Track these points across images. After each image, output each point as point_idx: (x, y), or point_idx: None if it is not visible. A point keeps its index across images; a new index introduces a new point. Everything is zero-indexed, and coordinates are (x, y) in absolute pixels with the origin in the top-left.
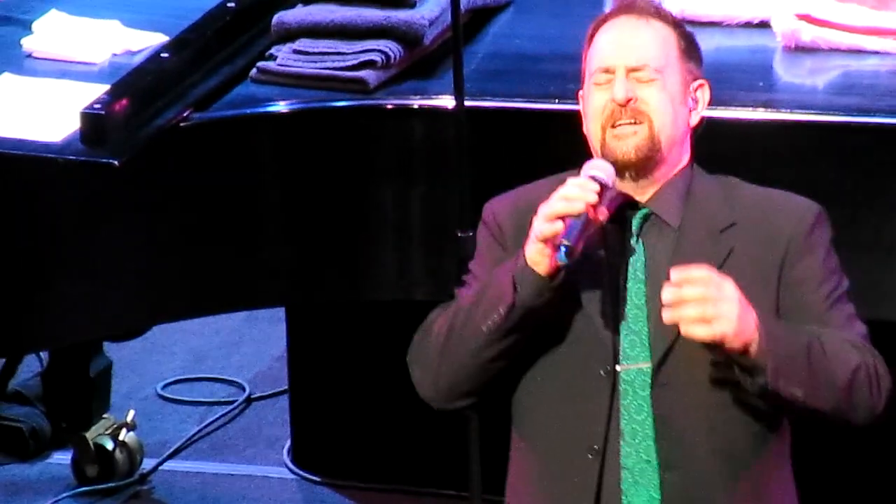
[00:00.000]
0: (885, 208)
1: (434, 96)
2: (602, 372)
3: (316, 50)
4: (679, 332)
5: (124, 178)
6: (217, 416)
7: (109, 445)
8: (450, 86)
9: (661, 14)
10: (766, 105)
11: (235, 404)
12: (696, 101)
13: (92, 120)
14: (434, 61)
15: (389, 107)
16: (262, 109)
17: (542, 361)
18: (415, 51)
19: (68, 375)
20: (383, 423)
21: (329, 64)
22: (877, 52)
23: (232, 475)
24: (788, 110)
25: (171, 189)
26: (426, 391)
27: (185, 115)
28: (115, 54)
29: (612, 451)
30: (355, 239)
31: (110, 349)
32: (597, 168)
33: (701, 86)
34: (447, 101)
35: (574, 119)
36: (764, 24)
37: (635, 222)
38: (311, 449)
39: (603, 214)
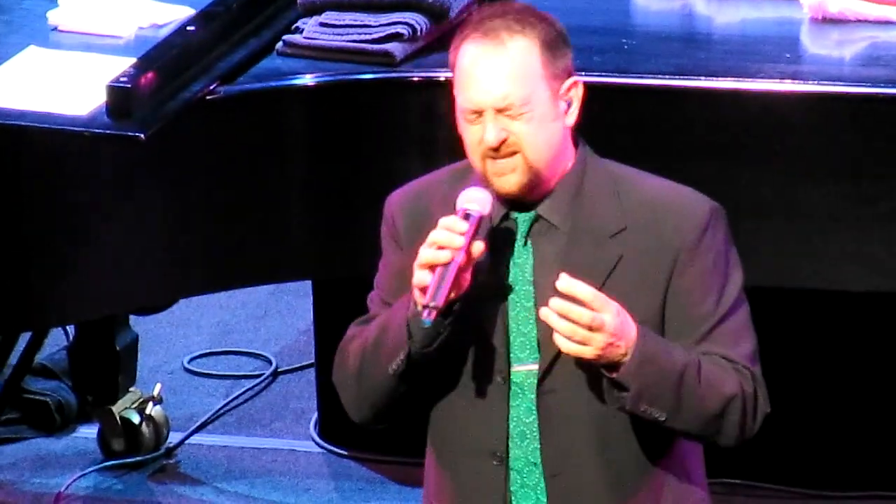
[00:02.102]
0: None
1: None
2: (499, 378)
3: (342, 23)
4: None
5: (150, 152)
6: (243, 389)
7: (136, 419)
8: None
9: (517, 26)
10: (793, 77)
11: (262, 378)
12: (569, 102)
13: (118, 93)
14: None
15: (415, 79)
16: (288, 82)
17: (442, 372)
18: (441, 23)
19: (94, 349)
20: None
21: (355, 37)
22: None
23: (258, 449)
24: (815, 82)
25: (198, 162)
26: (353, 416)
27: (211, 88)
28: (141, 27)
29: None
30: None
31: (136, 323)
32: (470, 200)
33: (573, 85)
34: None
35: (600, 92)
36: None
37: (523, 225)
38: (338, 422)
39: (479, 249)
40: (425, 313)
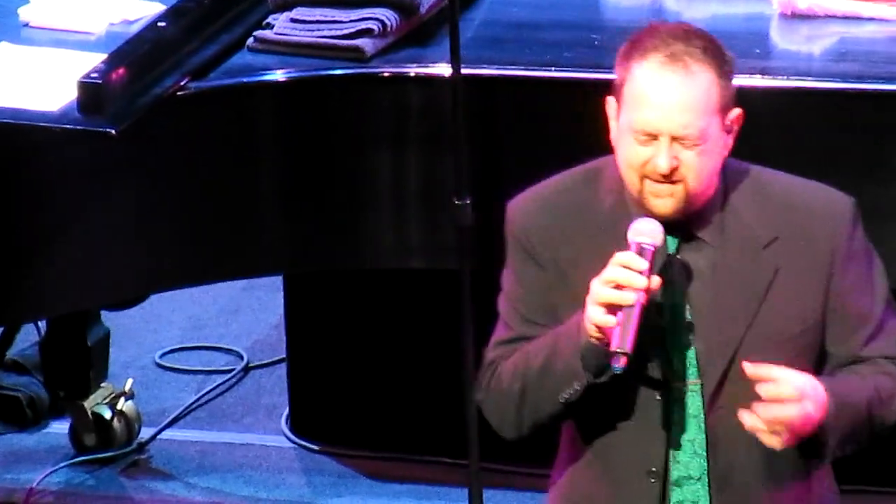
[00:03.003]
0: (882, 175)
1: (431, 64)
2: (657, 395)
3: (312, 18)
4: (733, 355)
5: (122, 147)
6: (215, 384)
7: (107, 414)
8: (446, 54)
9: (701, 54)
10: (763, 72)
11: (233, 373)
12: (731, 131)
13: (89, 89)
14: (431, 29)
15: (386, 74)
16: (259, 78)
17: (601, 389)
18: (411, 18)
19: (66, 344)
20: (381, 390)
21: (325, 32)
22: (873, 19)
23: (230, 444)
24: (785, 77)
25: (169, 157)
26: (506, 433)
27: (182, 83)
28: (112, 23)
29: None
30: (352, 207)
31: (108, 318)
32: (642, 233)
33: (738, 116)
34: (444, 69)
35: (570, 87)
36: None
37: (673, 242)
38: (309, 417)
39: (656, 283)
40: (615, 360)
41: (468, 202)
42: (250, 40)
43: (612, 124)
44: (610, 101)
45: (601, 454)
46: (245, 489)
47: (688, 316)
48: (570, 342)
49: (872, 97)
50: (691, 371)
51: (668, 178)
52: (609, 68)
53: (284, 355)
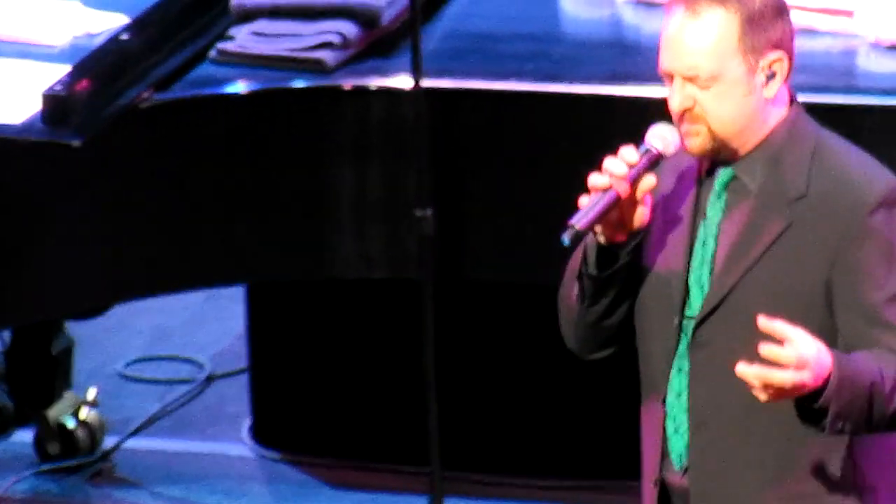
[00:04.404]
0: None
1: (392, 76)
2: (675, 321)
3: (274, 31)
4: (725, 294)
5: (86, 158)
6: (178, 394)
7: (71, 424)
8: (408, 66)
9: (723, 3)
10: None
11: (196, 382)
12: (771, 75)
13: (53, 101)
14: (393, 41)
15: (347, 87)
16: (221, 90)
17: (636, 306)
18: (373, 31)
19: (30, 354)
20: (344, 399)
21: (288, 45)
22: (829, 32)
23: (193, 453)
24: None
25: (133, 168)
26: (570, 347)
27: (145, 95)
28: (75, 36)
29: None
30: (314, 218)
31: (72, 328)
32: (656, 136)
33: (777, 60)
34: (405, 82)
35: (531, 99)
36: None
37: (720, 182)
38: (272, 426)
39: (648, 184)
40: (565, 233)
41: (429, 213)
42: (213, 52)
43: None
44: None
45: (641, 382)
46: (209, 498)
47: (711, 255)
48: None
49: (828, 109)
50: (693, 304)
51: (686, 117)
52: (569, 81)
53: (247, 365)
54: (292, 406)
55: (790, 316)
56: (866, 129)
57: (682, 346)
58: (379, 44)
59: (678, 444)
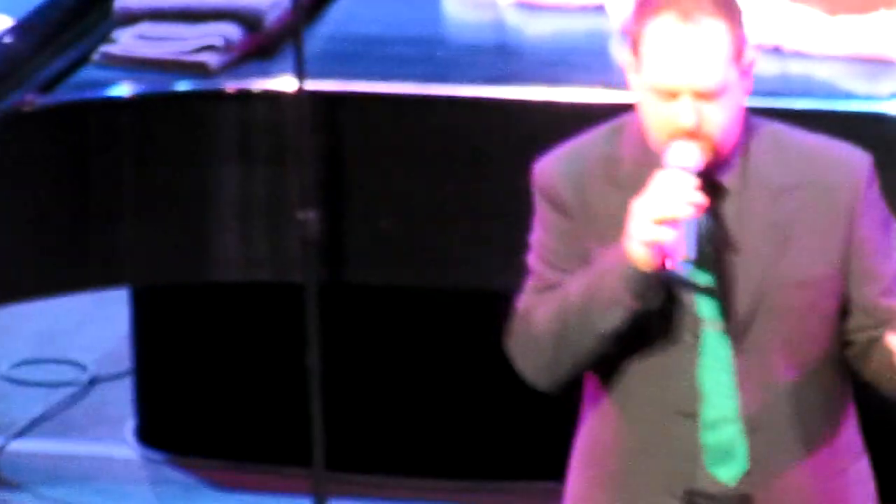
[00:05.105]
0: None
1: (275, 79)
2: (689, 336)
3: (158, 34)
4: (759, 297)
5: None
6: (62, 396)
7: None
8: (291, 68)
9: (713, 6)
10: (605, 86)
11: (80, 385)
12: (747, 74)
13: None
14: (276, 44)
15: (230, 90)
16: (105, 93)
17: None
18: (256, 34)
19: None
20: (228, 400)
21: (171, 48)
22: None
23: (77, 455)
24: (626, 91)
25: (16, 172)
26: (542, 384)
27: (28, 99)
28: None
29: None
30: (198, 221)
31: None
32: (684, 156)
33: (752, 58)
34: (288, 84)
35: (415, 102)
36: (600, 8)
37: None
38: (156, 428)
39: (703, 200)
40: (678, 266)
41: (313, 216)
42: (97, 55)
43: (631, 78)
44: (625, 55)
45: (631, 401)
46: (93, 500)
47: (711, 261)
48: (613, 272)
49: None
50: (717, 314)
51: (694, 133)
52: (452, 83)
53: (131, 367)
54: (176, 408)
55: (822, 302)
56: None
57: (712, 359)
58: (262, 47)
59: (721, 455)
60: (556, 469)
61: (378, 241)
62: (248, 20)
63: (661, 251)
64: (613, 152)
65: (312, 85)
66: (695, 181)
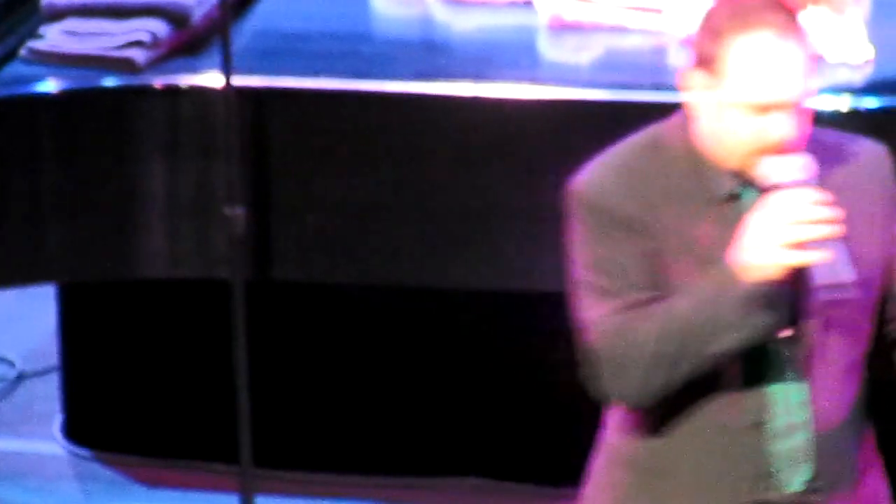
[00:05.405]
0: None
1: (202, 75)
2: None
3: (85, 30)
4: (827, 302)
5: None
6: None
7: None
8: (218, 64)
9: (791, 19)
10: (532, 82)
11: (7, 381)
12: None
13: None
14: (204, 40)
15: (157, 85)
16: (32, 89)
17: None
18: (183, 30)
19: None
20: (155, 397)
21: (98, 43)
22: (639, 30)
23: (4, 451)
24: (554, 87)
25: None
26: (633, 402)
27: None
28: None
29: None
30: (124, 217)
31: None
32: (792, 170)
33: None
34: (215, 80)
35: (341, 98)
36: (528, 3)
37: (750, 201)
38: (83, 424)
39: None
40: (842, 290)
41: (240, 212)
42: (23, 51)
43: (697, 95)
44: (692, 74)
45: (696, 412)
46: (20, 497)
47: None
48: (731, 293)
49: (639, 107)
50: (787, 320)
51: (785, 146)
52: (379, 79)
53: (58, 363)
54: (104, 404)
55: (871, 300)
56: None
57: (778, 364)
58: (189, 43)
59: (789, 463)
60: (482, 466)
61: (304, 237)
62: (174, 16)
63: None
64: (662, 167)
65: (239, 81)
66: (820, 196)
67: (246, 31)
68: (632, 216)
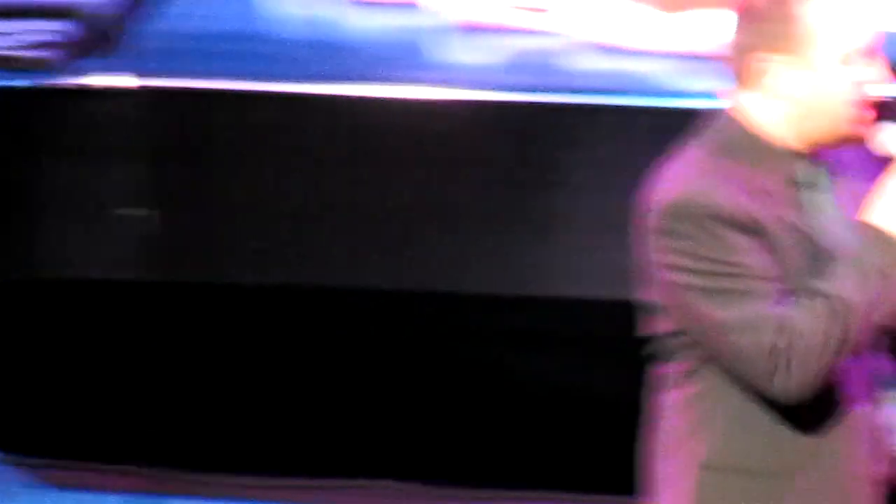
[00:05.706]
0: (553, 185)
1: (111, 75)
2: None
3: None
4: None
5: None
6: None
7: None
8: (129, 65)
9: None
10: (434, 83)
11: None
12: None
13: None
14: (112, 40)
15: (66, 85)
16: None
17: None
18: (93, 30)
19: None
20: (67, 399)
21: (7, 43)
22: (526, 31)
23: None
24: (458, 88)
25: None
26: (798, 393)
27: None
28: None
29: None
30: (30, 218)
31: None
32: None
33: None
34: (123, 80)
35: (245, 97)
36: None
37: (823, 174)
38: None
39: None
40: None
41: (147, 213)
42: None
43: (786, 78)
44: (768, 59)
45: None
46: None
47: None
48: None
49: (545, 108)
50: None
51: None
52: (282, 80)
53: None
54: (14, 406)
55: None
56: (566, 127)
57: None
58: (98, 43)
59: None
60: (397, 468)
61: (212, 238)
62: (87, 17)
63: None
64: (737, 165)
65: (145, 81)
66: None
67: (156, 32)
68: (734, 214)
